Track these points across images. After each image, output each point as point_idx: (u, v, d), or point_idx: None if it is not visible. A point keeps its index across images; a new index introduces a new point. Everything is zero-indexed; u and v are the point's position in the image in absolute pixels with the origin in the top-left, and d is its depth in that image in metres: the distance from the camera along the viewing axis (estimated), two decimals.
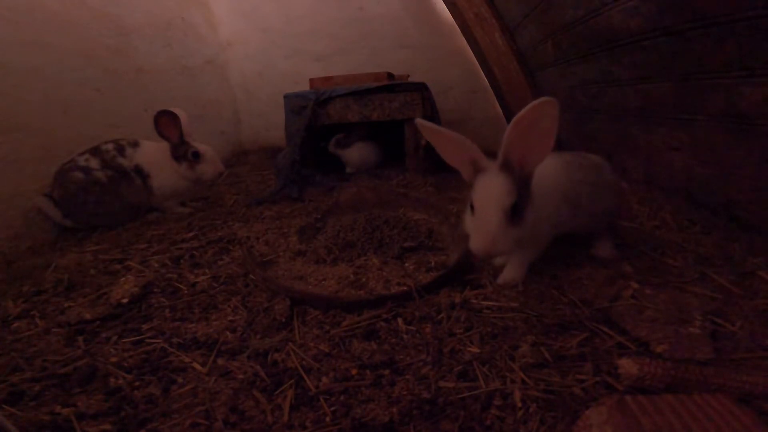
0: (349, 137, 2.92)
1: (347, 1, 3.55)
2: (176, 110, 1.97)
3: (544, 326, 0.94)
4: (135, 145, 2.02)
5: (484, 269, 1.27)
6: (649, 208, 1.61)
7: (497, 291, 1.13)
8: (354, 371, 0.86)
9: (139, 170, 2.00)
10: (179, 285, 1.30)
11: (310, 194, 2.34)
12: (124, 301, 1.19)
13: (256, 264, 1.37)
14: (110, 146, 1.96)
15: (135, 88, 2.63)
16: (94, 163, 1.89)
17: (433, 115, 2.68)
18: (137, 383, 0.87)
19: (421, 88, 2.55)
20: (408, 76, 3.11)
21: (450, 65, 3.51)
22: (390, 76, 2.83)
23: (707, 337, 0.85)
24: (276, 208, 2.11)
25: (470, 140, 1.03)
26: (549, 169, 1.18)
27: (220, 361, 0.93)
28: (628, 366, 0.74)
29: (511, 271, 1.19)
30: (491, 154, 1.02)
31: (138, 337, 1.04)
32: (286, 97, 2.70)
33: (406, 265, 1.37)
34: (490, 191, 0.97)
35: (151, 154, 2.03)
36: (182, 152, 2.02)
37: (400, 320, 1.03)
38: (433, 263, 1.36)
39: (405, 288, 1.16)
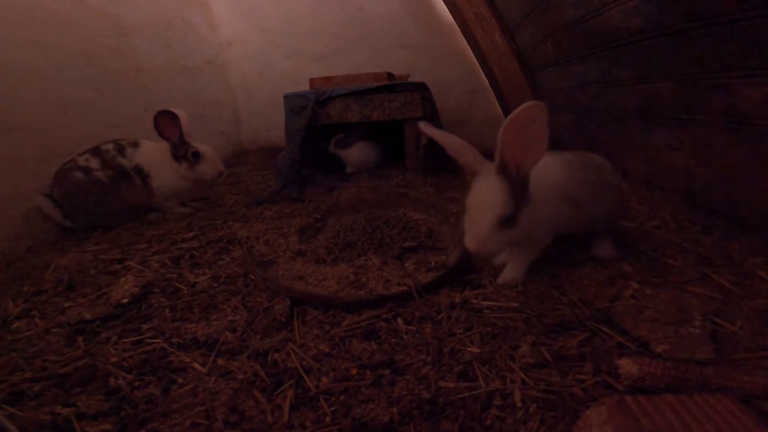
0: (349, 137, 2.92)
1: (347, 1, 3.55)
2: (176, 110, 1.97)
3: (544, 326, 0.94)
4: (135, 145, 2.02)
5: (484, 269, 1.27)
6: (649, 208, 1.61)
7: (497, 291, 1.13)
8: (354, 371, 0.86)
9: (139, 170, 1.99)
10: (179, 285, 1.30)
11: (310, 194, 2.34)
12: (124, 301, 1.19)
13: (256, 264, 1.37)
14: (110, 146, 1.96)
15: (135, 88, 2.62)
16: (94, 163, 1.89)
17: (433, 115, 2.68)
18: (137, 383, 0.87)
19: (421, 88, 2.55)
20: (408, 76, 3.11)
21: (450, 65, 3.51)
22: (390, 76, 2.83)
23: (707, 337, 0.85)
24: (276, 208, 2.11)
25: (468, 143, 1.05)
26: (549, 169, 1.18)
27: (220, 361, 0.93)
28: (628, 366, 0.74)
29: (511, 271, 1.19)
30: (490, 155, 1.02)
31: (138, 337, 1.04)
32: (286, 97, 2.70)
33: (406, 265, 1.37)
34: (483, 194, 0.99)
35: (151, 154, 2.03)
36: (182, 152, 2.02)
37: (400, 320, 1.03)
38: (433, 263, 1.36)
39: (405, 288, 1.16)
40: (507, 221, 0.97)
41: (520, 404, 0.73)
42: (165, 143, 2.02)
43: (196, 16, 3.42)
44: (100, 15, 2.40)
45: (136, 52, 2.68)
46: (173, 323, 1.09)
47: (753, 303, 0.96)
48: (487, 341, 0.92)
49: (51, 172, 1.86)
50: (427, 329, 0.99)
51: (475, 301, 1.09)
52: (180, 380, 0.88)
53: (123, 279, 1.29)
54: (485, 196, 0.98)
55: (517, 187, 0.98)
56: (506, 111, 3.27)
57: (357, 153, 2.94)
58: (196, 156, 2.04)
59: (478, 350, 0.89)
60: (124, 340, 1.03)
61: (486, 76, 3.38)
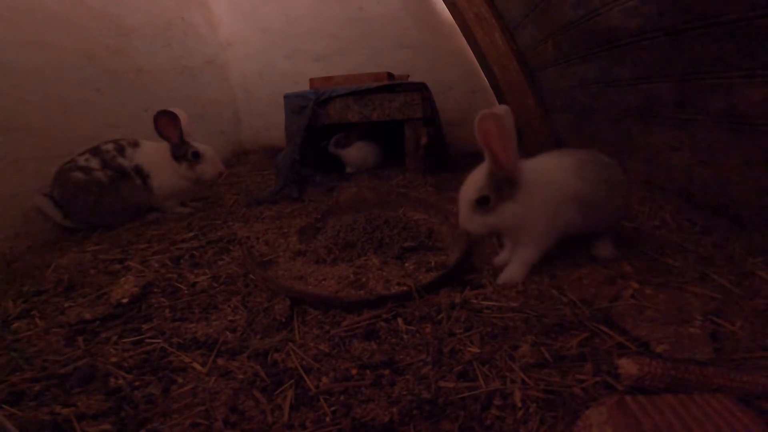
0: (349, 137, 2.92)
1: (347, 1, 3.55)
2: (176, 110, 1.97)
3: (544, 326, 0.94)
4: (135, 145, 2.02)
5: (484, 269, 1.27)
6: (649, 208, 1.61)
7: (497, 291, 1.13)
8: (354, 371, 0.86)
9: (139, 170, 1.99)
10: (179, 285, 1.30)
11: (310, 194, 2.34)
12: (124, 301, 1.19)
13: (256, 264, 1.37)
14: (110, 146, 1.96)
15: (135, 88, 2.62)
16: (94, 163, 1.89)
17: (433, 115, 2.68)
18: (137, 383, 0.87)
19: (421, 88, 2.55)
20: (408, 76, 3.11)
21: (450, 65, 3.51)
22: (390, 76, 2.83)
23: (707, 337, 0.85)
24: (276, 208, 2.11)
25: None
26: (557, 169, 1.19)
27: (220, 361, 0.93)
28: (628, 366, 0.74)
29: (511, 271, 1.19)
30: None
31: (138, 337, 1.04)
32: (286, 97, 2.70)
33: (406, 265, 1.37)
34: (468, 181, 1.15)
35: (151, 154, 2.03)
36: (182, 152, 2.02)
37: (400, 320, 1.03)
38: (433, 263, 1.36)
39: (405, 288, 1.16)
40: (482, 206, 1.10)
41: (520, 404, 0.73)
42: (165, 143, 2.02)
43: (196, 16, 3.42)
44: (100, 15, 2.40)
45: (136, 52, 2.68)
46: (173, 323, 1.09)
47: (753, 303, 0.96)
48: (487, 341, 0.92)
49: (51, 172, 1.86)
50: (427, 329, 0.99)
51: (475, 301, 1.09)
52: (180, 380, 0.88)
53: (123, 279, 1.29)
54: (468, 182, 1.14)
55: (500, 181, 1.09)
56: None
57: (357, 153, 2.94)
58: (196, 156, 2.04)
59: (478, 350, 0.89)
60: (124, 340, 1.03)
61: (486, 76, 3.38)
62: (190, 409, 0.79)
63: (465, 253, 1.29)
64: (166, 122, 1.95)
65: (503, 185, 1.09)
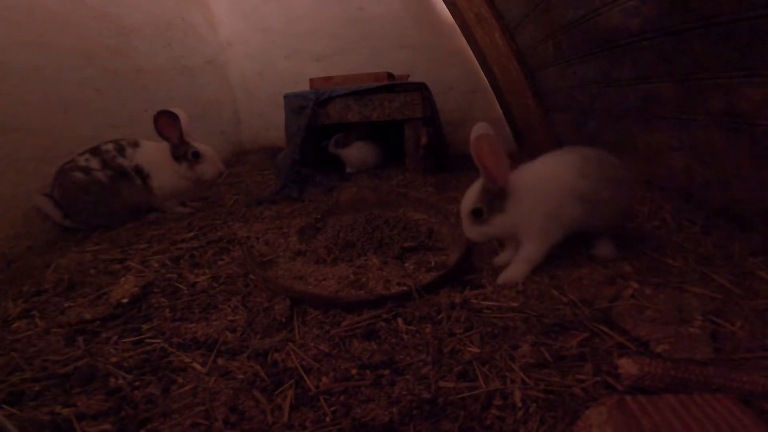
0: (348, 137, 2.92)
1: (347, 1, 3.55)
2: (176, 110, 1.97)
3: (544, 326, 0.94)
4: (135, 145, 2.02)
5: (484, 269, 1.28)
6: (649, 208, 1.61)
7: (497, 291, 1.13)
8: (354, 371, 0.86)
9: (139, 170, 1.99)
10: (179, 285, 1.30)
11: (310, 194, 2.34)
12: (124, 301, 1.19)
13: (256, 264, 1.37)
14: (110, 146, 1.96)
15: (135, 88, 2.62)
16: (94, 163, 1.89)
17: (433, 115, 2.68)
18: (137, 383, 0.87)
19: (421, 88, 2.55)
20: (408, 76, 3.11)
21: (450, 65, 3.51)
22: (390, 76, 2.83)
23: (707, 337, 0.85)
24: (276, 208, 2.11)
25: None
26: (555, 167, 1.19)
27: (220, 361, 0.93)
28: (628, 366, 0.74)
29: (511, 270, 1.19)
30: None
31: (138, 337, 1.04)
32: (286, 97, 2.70)
33: (406, 265, 1.37)
34: (465, 195, 1.23)
35: (151, 154, 2.03)
36: (182, 152, 2.02)
37: (400, 320, 1.03)
38: (433, 263, 1.36)
39: (405, 288, 1.16)
40: (477, 217, 1.18)
41: (520, 404, 0.73)
42: (165, 143, 2.02)
43: (196, 16, 3.42)
44: (100, 15, 2.40)
45: (136, 52, 2.68)
46: (173, 323, 1.09)
47: (753, 303, 0.96)
48: (487, 341, 0.92)
49: (51, 172, 1.86)
50: (427, 329, 0.99)
51: (475, 301, 1.09)
52: (180, 380, 0.88)
53: (123, 279, 1.29)
54: (467, 194, 1.23)
55: (492, 195, 1.16)
56: (506, 111, 3.27)
57: (357, 153, 2.94)
58: (196, 156, 2.04)
59: (478, 350, 0.89)
60: (124, 340, 1.03)
61: (486, 76, 3.37)
62: (190, 409, 0.79)
63: (465, 253, 1.30)
64: (166, 122, 1.95)
65: (494, 198, 1.17)
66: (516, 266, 1.19)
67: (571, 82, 2.22)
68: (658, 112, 1.61)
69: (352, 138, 2.92)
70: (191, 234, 1.77)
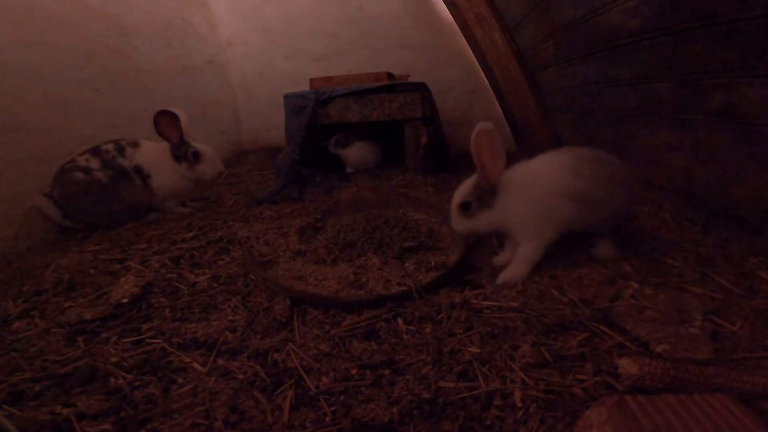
0: (348, 137, 2.92)
1: (347, 1, 3.55)
2: (176, 110, 1.97)
3: (544, 326, 0.94)
4: (135, 145, 2.02)
5: (484, 269, 1.28)
6: (649, 208, 1.61)
7: (497, 291, 1.13)
8: (354, 371, 0.86)
9: (139, 170, 1.99)
10: (179, 285, 1.30)
11: (310, 194, 2.34)
12: (124, 301, 1.19)
13: (256, 264, 1.37)
14: (110, 146, 1.96)
15: (135, 88, 2.62)
16: (94, 163, 1.89)
17: (433, 115, 2.68)
18: (137, 383, 0.87)
19: (421, 88, 2.55)
20: (408, 76, 3.11)
21: (450, 65, 3.51)
22: (390, 76, 2.83)
23: (707, 337, 0.85)
24: (276, 208, 2.11)
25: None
26: (548, 167, 1.19)
27: (220, 361, 0.93)
28: (628, 366, 0.74)
29: (511, 270, 1.19)
30: None
31: (138, 337, 1.04)
32: (286, 97, 2.70)
33: (406, 265, 1.37)
34: (459, 188, 1.25)
35: (151, 154, 2.03)
36: (182, 152, 2.02)
37: (400, 320, 1.03)
38: (433, 263, 1.36)
39: (405, 288, 1.16)
40: (465, 210, 1.21)
41: (520, 404, 0.73)
42: (165, 143, 2.02)
43: (196, 16, 3.42)
44: (100, 15, 2.40)
45: (136, 52, 2.68)
46: (173, 323, 1.09)
47: (753, 303, 0.96)
48: (487, 341, 0.92)
49: (51, 172, 1.86)
50: (427, 329, 0.99)
51: (475, 301, 1.09)
52: (180, 380, 0.88)
53: (123, 279, 1.29)
54: (460, 188, 1.25)
55: (482, 191, 1.19)
56: (506, 111, 3.27)
57: (357, 153, 2.94)
58: (196, 156, 2.04)
59: (478, 350, 0.89)
60: (124, 340, 1.03)
61: (486, 76, 3.38)
62: (190, 409, 0.79)
63: (465, 253, 1.30)
64: (166, 122, 1.95)
65: (485, 194, 1.19)
66: (515, 266, 1.19)
67: (571, 82, 2.22)
68: (658, 112, 1.61)
69: (352, 138, 2.92)
70: (191, 234, 1.77)
